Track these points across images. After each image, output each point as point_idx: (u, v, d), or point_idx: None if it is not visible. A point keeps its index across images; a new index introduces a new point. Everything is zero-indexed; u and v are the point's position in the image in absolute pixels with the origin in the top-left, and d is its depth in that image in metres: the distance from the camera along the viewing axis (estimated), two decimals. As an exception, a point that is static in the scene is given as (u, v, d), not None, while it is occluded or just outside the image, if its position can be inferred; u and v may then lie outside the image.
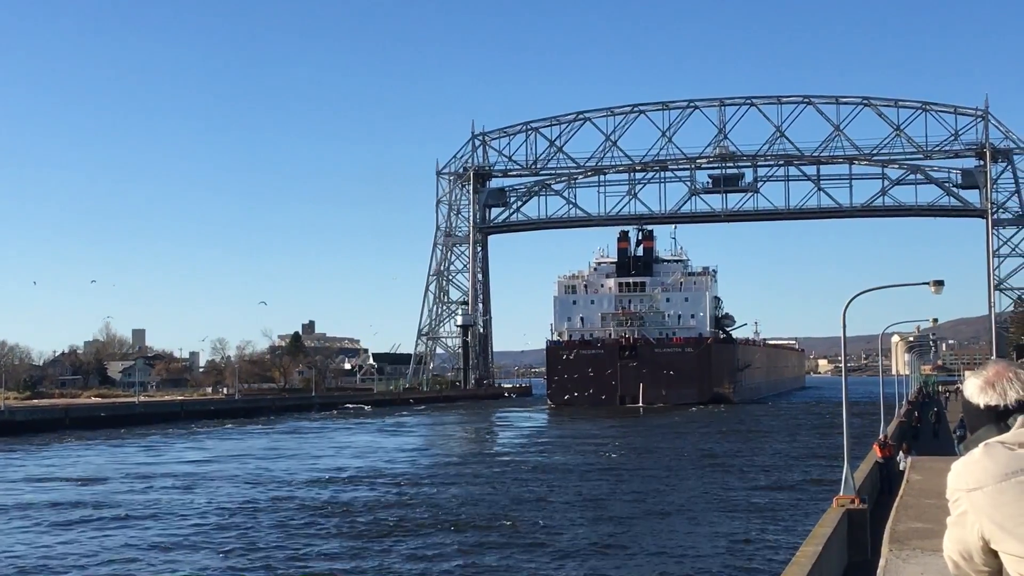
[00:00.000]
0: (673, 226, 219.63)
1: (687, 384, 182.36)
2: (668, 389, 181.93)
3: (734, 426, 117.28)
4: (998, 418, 4.62)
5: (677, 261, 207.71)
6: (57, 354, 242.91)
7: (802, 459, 75.11)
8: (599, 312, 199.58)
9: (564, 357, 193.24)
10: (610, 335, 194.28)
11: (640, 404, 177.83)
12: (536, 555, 37.85)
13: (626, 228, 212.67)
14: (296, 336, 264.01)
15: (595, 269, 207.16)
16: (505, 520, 45.75)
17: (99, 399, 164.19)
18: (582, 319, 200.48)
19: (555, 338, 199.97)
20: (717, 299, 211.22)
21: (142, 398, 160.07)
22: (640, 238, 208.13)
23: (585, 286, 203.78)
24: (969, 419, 4.77)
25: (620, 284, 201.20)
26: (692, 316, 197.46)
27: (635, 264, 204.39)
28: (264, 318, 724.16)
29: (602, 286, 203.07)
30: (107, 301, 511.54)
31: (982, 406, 4.67)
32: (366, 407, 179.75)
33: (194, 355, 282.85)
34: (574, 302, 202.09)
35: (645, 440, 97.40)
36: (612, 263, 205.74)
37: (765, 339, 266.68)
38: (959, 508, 4.62)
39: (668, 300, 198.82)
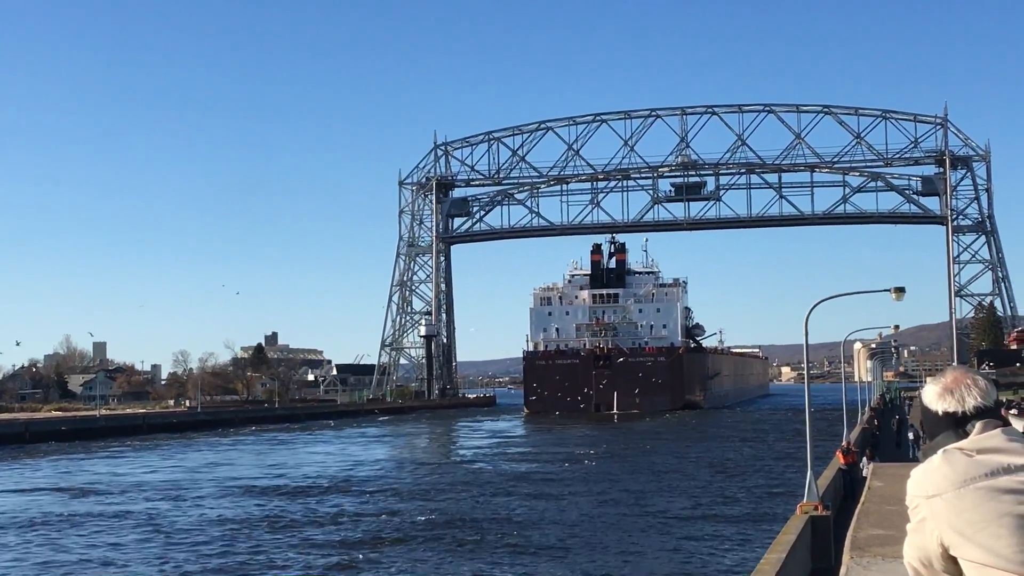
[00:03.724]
0: (645, 238, 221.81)
1: (660, 392, 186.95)
2: (642, 397, 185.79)
3: (705, 432, 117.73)
4: (957, 424, 4.61)
5: (649, 273, 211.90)
6: (16, 368, 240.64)
7: (767, 465, 75.37)
8: (574, 323, 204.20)
9: (541, 367, 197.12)
10: (585, 345, 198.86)
11: (615, 411, 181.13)
12: (508, 563, 37.81)
13: (598, 240, 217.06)
14: (259, 348, 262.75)
15: (569, 281, 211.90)
16: (473, 530, 45.68)
17: (60, 413, 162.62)
18: (557, 330, 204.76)
19: (531, 348, 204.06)
20: (687, 309, 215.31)
21: (103, 411, 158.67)
22: (613, 251, 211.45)
23: (560, 298, 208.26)
24: (928, 426, 4.77)
25: (594, 296, 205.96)
26: (664, 326, 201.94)
27: (608, 276, 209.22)
28: (226, 330, 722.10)
29: (576, 298, 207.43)
30: (67, 314, 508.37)
31: (941, 413, 4.66)
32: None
33: (156, 368, 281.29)
34: (549, 313, 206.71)
35: (618, 447, 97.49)
36: (586, 275, 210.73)
37: (729, 347, 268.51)
38: (919, 515, 4.61)
39: (640, 311, 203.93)
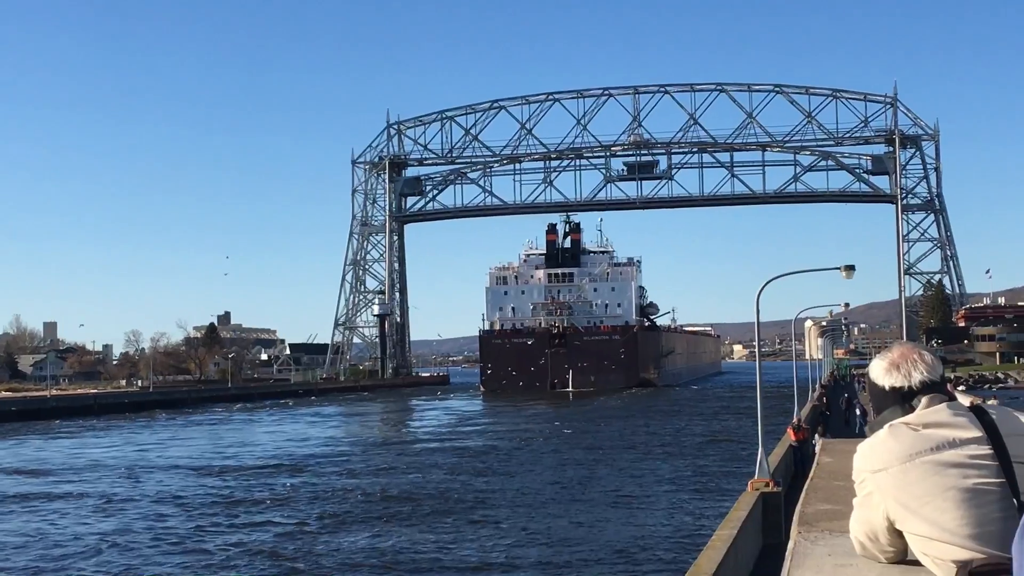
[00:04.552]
0: (600, 218, 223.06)
1: (615, 370, 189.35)
2: (597, 375, 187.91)
3: (658, 409, 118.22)
4: (903, 399, 4.66)
5: (603, 252, 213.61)
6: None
7: (719, 442, 75.77)
8: (530, 302, 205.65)
9: (497, 345, 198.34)
10: (540, 324, 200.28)
11: (570, 389, 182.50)
12: (465, 539, 37.85)
13: (551, 220, 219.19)
14: (211, 327, 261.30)
15: (525, 261, 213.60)
16: (428, 506, 45.70)
17: (10, 393, 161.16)
18: (513, 309, 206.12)
19: (487, 327, 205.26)
20: (642, 288, 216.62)
21: (54, 392, 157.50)
22: (568, 230, 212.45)
23: (516, 277, 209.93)
24: (875, 401, 4.82)
25: (549, 275, 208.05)
26: (619, 305, 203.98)
27: (563, 256, 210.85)
28: (179, 309, 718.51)
29: (532, 277, 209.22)
30: (16, 294, 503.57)
31: (887, 388, 4.71)
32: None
33: (107, 348, 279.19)
34: (505, 293, 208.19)
35: (573, 425, 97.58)
36: (541, 255, 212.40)
37: (682, 326, 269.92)
38: (865, 489, 4.66)
39: (595, 290, 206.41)
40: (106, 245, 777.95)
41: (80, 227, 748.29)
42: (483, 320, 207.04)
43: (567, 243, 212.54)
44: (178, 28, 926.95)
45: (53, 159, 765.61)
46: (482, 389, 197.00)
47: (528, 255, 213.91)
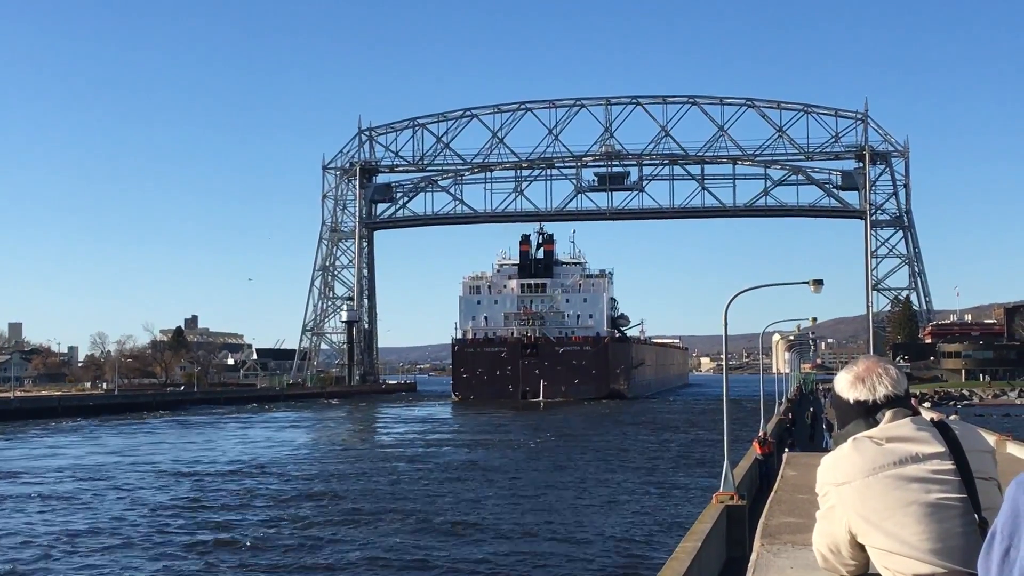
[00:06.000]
0: (572, 230, 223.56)
1: (586, 380, 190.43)
2: (568, 385, 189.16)
3: (627, 420, 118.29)
4: (867, 413, 4.66)
5: (576, 264, 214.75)
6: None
7: (684, 454, 75.83)
8: (502, 312, 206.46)
9: (469, 354, 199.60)
10: (513, 334, 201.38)
11: (541, 399, 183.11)
12: (432, 545, 37.79)
13: (521, 229, 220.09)
14: (178, 331, 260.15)
15: (498, 270, 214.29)
16: (394, 512, 45.57)
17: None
18: (486, 318, 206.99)
19: (460, 336, 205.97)
20: (613, 300, 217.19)
21: (18, 393, 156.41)
22: (541, 241, 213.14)
23: (489, 287, 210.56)
24: (839, 414, 4.82)
25: (522, 285, 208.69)
26: (590, 316, 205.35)
27: (536, 266, 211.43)
28: (146, 312, 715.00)
29: (505, 287, 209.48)
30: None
31: (852, 401, 4.71)
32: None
33: (73, 350, 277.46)
34: (478, 302, 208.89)
35: (543, 435, 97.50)
36: (514, 265, 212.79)
37: (651, 337, 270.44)
38: (828, 502, 4.66)
39: (568, 301, 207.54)
40: (73, 246, 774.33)
41: (47, 227, 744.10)
42: (456, 329, 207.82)
43: (540, 254, 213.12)
44: (148, 30, 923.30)
45: (17, 159, 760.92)
46: (454, 397, 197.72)
47: (501, 265, 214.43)
